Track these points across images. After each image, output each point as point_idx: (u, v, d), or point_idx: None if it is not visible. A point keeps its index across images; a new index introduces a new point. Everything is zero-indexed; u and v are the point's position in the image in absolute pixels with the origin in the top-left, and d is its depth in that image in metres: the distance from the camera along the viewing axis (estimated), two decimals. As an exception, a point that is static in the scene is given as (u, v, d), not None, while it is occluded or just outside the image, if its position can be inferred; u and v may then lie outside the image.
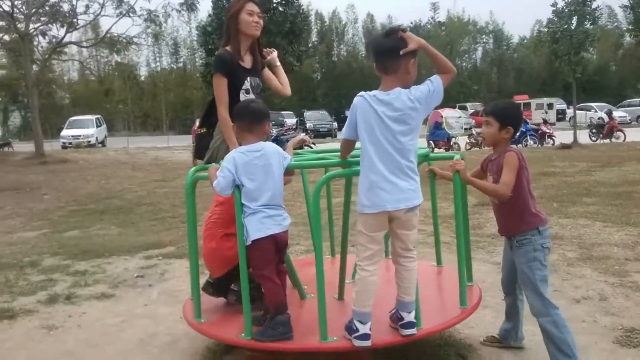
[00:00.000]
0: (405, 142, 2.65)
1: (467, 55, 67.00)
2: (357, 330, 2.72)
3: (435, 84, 2.72)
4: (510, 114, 3.10)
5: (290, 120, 35.29)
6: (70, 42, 24.13)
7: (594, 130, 23.55)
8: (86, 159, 20.16)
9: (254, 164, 2.91)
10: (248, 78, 3.58)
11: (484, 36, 66.86)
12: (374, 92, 2.70)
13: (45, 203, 10.04)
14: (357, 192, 2.71)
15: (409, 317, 2.78)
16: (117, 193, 10.78)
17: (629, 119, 35.85)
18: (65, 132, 32.67)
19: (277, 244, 2.94)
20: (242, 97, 3.53)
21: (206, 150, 3.63)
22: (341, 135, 2.98)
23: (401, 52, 2.65)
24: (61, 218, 8.43)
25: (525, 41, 64.84)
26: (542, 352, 2.99)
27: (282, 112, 38.76)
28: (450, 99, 52.68)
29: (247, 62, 3.63)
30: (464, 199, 3.27)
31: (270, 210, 2.91)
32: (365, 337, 2.71)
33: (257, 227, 2.87)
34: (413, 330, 2.79)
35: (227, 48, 3.57)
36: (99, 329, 3.85)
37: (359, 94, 2.72)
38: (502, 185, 2.90)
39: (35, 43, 22.26)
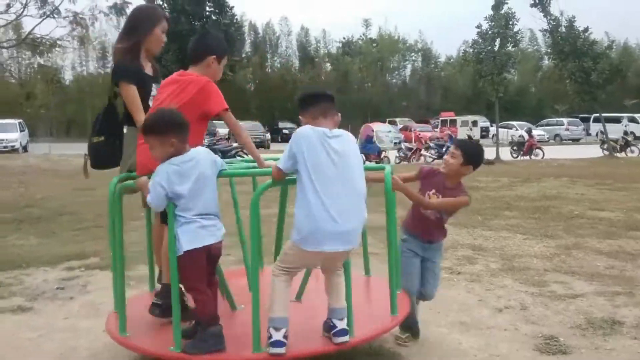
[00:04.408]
0: None
1: (396, 72, 68.75)
2: (271, 337, 2.72)
3: None
4: (475, 155, 3.46)
5: (223, 130, 34.90)
6: (-11, 42, 22.93)
7: (515, 148, 24.71)
8: (3, 165, 19.12)
9: (187, 173, 2.84)
10: (153, 86, 3.60)
11: (413, 54, 68.83)
12: None
13: (-43, 211, 9.41)
14: None
15: (341, 324, 2.81)
16: (37, 201, 10.25)
17: (547, 138, 37.89)
18: None
19: (209, 255, 2.89)
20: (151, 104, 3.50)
21: (107, 160, 3.64)
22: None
23: None
24: (-26, 227, 7.91)
25: (451, 60, 67.24)
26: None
27: (215, 122, 38.26)
28: (381, 114, 53.87)
29: (149, 70, 3.68)
30: (394, 210, 3.34)
31: (205, 220, 2.86)
32: (279, 344, 2.70)
33: (190, 238, 2.82)
34: (345, 338, 2.81)
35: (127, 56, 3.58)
36: (15, 343, 3.62)
37: None
38: (435, 205, 3.40)
39: (-49, 42, 21.01)
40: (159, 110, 3.00)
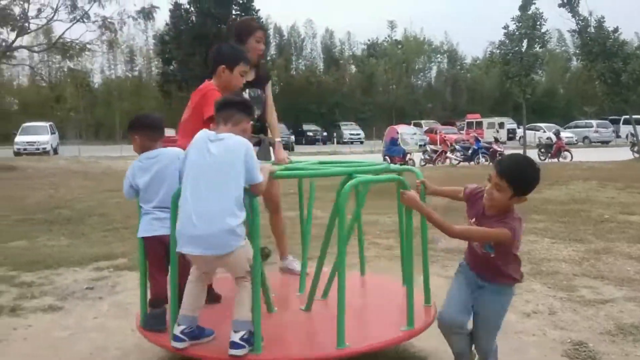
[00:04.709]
0: None
1: (422, 74, 68.51)
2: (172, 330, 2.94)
3: None
4: (529, 182, 2.66)
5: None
6: (21, 47, 23.43)
7: (542, 150, 24.38)
8: (35, 167, 19.54)
9: (149, 169, 3.26)
10: (247, 90, 4.10)
11: (438, 56, 68.49)
12: None
13: (-10, 212, 9.65)
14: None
15: (234, 336, 2.77)
16: (67, 203, 10.46)
17: (575, 140, 37.27)
18: (19, 138, 31.76)
19: (165, 245, 3.12)
20: None
21: None
22: None
23: None
24: (6, 227, 8.10)
25: (478, 62, 66.73)
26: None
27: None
28: (406, 116, 53.74)
29: (248, 76, 4.01)
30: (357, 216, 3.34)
31: (162, 212, 3.20)
32: (177, 338, 2.88)
33: (144, 227, 3.24)
34: (236, 351, 2.74)
35: None
36: (46, 342, 3.71)
37: None
38: (457, 232, 2.69)
39: (-16, 46, 21.53)
40: (138, 114, 3.66)
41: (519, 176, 2.62)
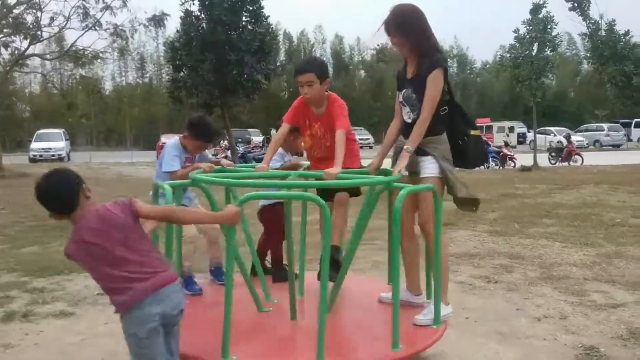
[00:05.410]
0: None
1: (432, 78, 68.21)
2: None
3: None
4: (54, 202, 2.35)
5: (257, 138, 35.24)
6: (34, 55, 23.64)
7: (553, 154, 24.23)
8: (46, 173, 19.66)
9: None
10: (403, 90, 3.57)
11: (448, 60, 68.23)
12: None
13: (3, 218, 9.75)
14: None
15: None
16: (79, 209, 10.54)
17: (586, 144, 36.98)
18: (34, 145, 32.06)
19: None
20: (401, 109, 3.58)
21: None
22: None
23: None
24: (19, 233, 8.19)
25: (487, 66, 66.53)
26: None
27: (249, 130, 38.72)
28: (416, 121, 53.46)
29: (411, 72, 3.58)
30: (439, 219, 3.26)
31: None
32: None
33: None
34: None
35: None
36: (57, 347, 3.74)
37: None
38: None
39: (-3, 54, 21.76)
40: None
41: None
